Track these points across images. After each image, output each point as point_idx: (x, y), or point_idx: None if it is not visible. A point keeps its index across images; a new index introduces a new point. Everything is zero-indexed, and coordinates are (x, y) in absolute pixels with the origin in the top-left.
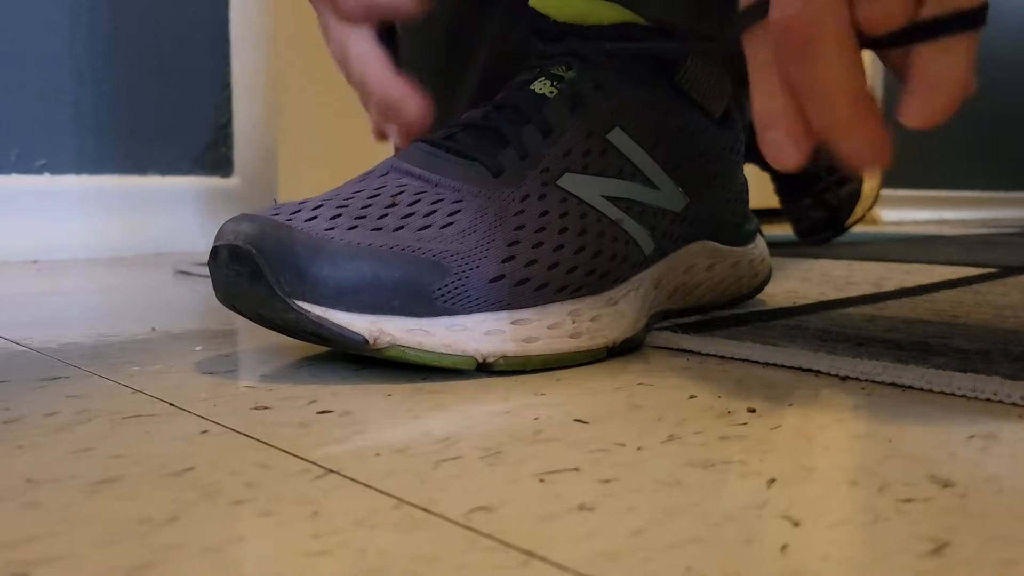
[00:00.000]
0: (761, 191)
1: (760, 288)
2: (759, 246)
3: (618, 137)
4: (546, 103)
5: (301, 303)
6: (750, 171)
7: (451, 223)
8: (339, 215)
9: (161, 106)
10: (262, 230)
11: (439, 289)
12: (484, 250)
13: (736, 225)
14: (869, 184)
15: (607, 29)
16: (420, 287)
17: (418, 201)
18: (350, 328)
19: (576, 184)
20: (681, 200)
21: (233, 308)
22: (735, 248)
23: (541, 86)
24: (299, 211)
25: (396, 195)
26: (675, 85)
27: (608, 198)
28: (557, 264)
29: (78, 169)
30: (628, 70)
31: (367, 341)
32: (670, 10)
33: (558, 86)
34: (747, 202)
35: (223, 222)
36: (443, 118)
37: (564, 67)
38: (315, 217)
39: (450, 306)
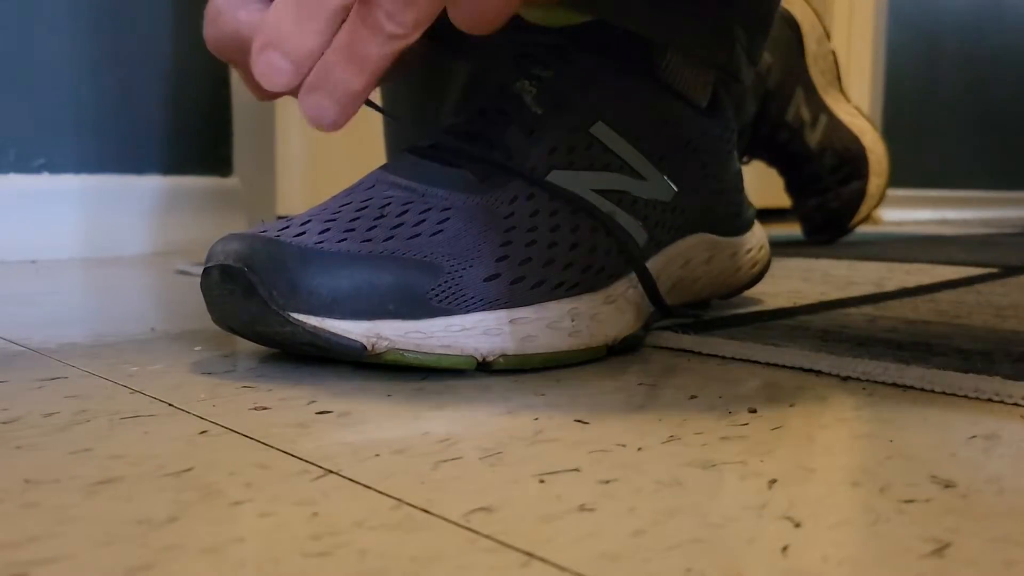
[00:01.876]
0: (764, 190)
1: (760, 276)
2: (756, 234)
3: (601, 131)
4: (527, 103)
5: (296, 315)
6: (758, 171)
7: (440, 231)
8: (328, 229)
9: (160, 106)
10: (251, 247)
11: (433, 290)
12: (476, 251)
13: (732, 215)
14: (875, 183)
15: (573, 29)
16: (414, 289)
17: (406, 211)
18: (347, 336)
19: (564, 180)
20: (670, 190)
21: (229, 329)
22: (732, 238)
23: (521, 87)
24: (287, 227)
25: (384, 206)
26: (656, 77)
27: (598, 191)
28: (552, 261)
29: (77, 169)
30: (607, 64)
31: (365, 347)
32: (621, 11)
33: (537, 85)
34: (743, 191)
35: (221, 224)
36: (429, 126)
37: (542, 67)
38: (303, 232)
39: (446, 306)
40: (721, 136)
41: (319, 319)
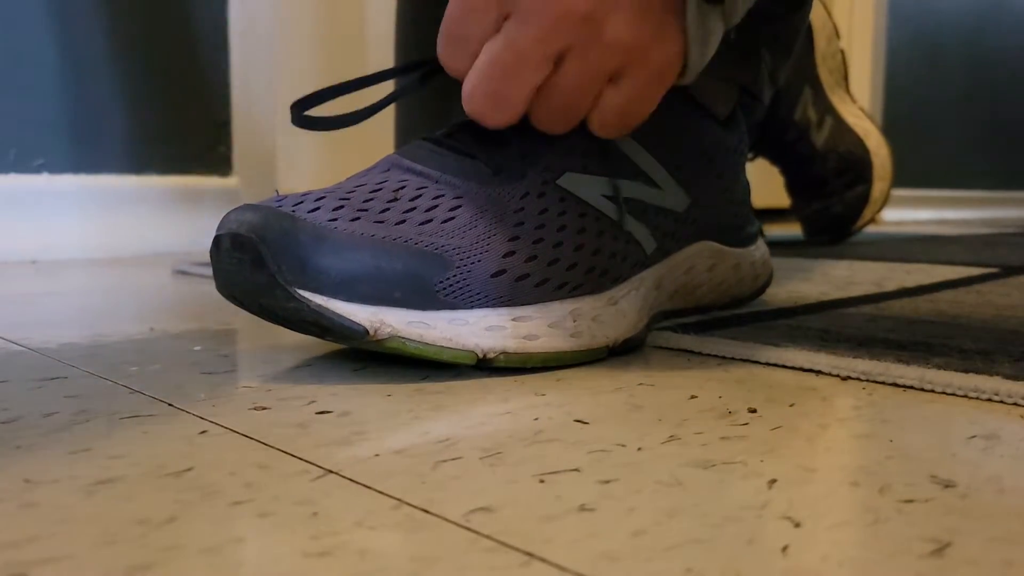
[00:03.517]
0: (767, 190)
1: (761, 291)
2: (760, 248)
3: (621, 138)
4: None
5: (302, 292)
6: (758, 170)
7: (452, 218)
8: (341, 207)
9: (160, 106)
10: (265, 219)
11: (441, 282)
12: (485, 245)
13: (738, 227)
14: (879, 187)
15: None
16: (422, 279)
17: (419, 196)
18: (351, 318)
19: (576, 183)
20: (684, 200)
21: (233, 299)
22: (737, 249)
23: None
24: (302, 202)
25: (398, 190)
26: (680, 88)
27: (608, 197)
28: (557, 260)
29: (76, 169)
30: None
31: (368, 332)
32: None
33: None
34: (750, 204)
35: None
36: (444, 118)
37: None
38: (318, 208)
39: (451, 300)
40: (736, 148)
41: (325, 299)
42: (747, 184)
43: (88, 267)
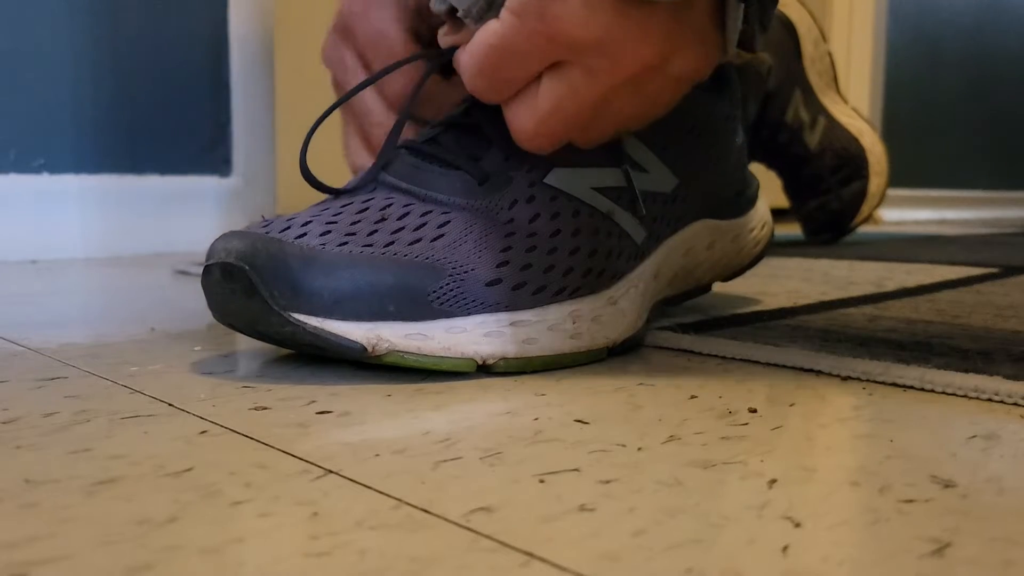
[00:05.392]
0: (767, 191)
1: (762, 255)
2: (760, 211)
3: None
4: None
5: (297, 316)
6: (757, 171)
7: (441, 235)
8: (328, 231)
9: (160, 106)
10: (253, 246)
11: (434, 291)
12: (477, 257)
13: (736, 195)
14: (876, 183)
15: None
16: (415, 290)
17: (407, 215)
18: (348, 337)
19: (564, 179)
20: (671, 180)
21: (230, 325)
22: (735, 220)
23: None
24: (288, 227)
25: (384, 208)
26: None
27: (598, 190)
28: (553, 267)
29: (77, 169)
30: None
31: (365, 349)
32: None
33: None
34: (746, 167)
35: (221, 224)
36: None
37: None
38: (305, 234)
39: (447, 308)
40: (728, 115)
41: (320, 320)
42: (742, 146)
43: (88, 267)
